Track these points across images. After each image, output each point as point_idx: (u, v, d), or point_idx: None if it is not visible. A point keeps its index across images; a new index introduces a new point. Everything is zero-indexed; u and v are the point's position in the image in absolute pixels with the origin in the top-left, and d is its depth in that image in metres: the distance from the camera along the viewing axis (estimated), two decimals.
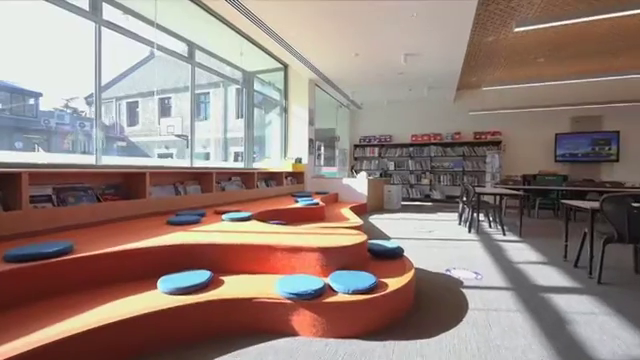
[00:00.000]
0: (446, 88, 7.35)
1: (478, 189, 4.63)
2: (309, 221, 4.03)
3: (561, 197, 6.33)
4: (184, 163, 4.58)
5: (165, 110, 11.79)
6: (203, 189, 4.13)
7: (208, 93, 11.47)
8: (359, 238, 2.24)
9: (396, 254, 2.45)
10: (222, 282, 1.90)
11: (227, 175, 4.83)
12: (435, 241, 3.88)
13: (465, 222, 4.85)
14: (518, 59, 6.22)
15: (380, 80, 6.80)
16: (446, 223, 5.20)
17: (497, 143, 8.14)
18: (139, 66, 11.51)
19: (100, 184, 3.01)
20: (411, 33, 4.57)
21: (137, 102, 11.97)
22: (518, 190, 5.22)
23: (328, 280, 1.84)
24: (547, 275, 2.67)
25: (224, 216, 3.05)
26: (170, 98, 11.47)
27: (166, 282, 1.77)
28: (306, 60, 5.64)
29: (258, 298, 1.68)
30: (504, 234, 4.26)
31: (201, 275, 1.87)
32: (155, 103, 11.75)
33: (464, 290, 2.31)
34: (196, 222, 2.84)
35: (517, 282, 2.50)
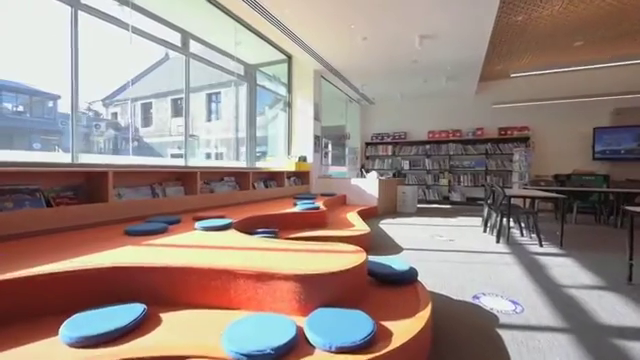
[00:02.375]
0: (467, 78, 6.62)
1: (508, 191, 3.93)
2: (307, 228, 3.46)
3: (603, 200, 5.50)
4: (164, 161, 4.11)
5: (178, 110, 11.94)
6: (187, 191, 3.64)
7: (219, 93, 11.35)
8: (355, 259, 1.66)
9: (407, 279, 1.85)
10: (158, 322, 1.36)
11: (219, 175, 4.32)
12: (457, 254, 3.22)
13: (492, 229, 4.16)
14: (552, 42, 5.44)
15: (392, 69, 6.16)
16: (469, 230, 4.51)
17: (525, 139, 7.32)
18: (154, 67, 11.56)
19: (54, 185, 2.54)
20: (427, 9, 3.93)
21: (151, 103, 12.05)
22: (555, 192, 4.48)
23: (305, 323, 1.27)
24: (613, 307, 1.99)
25: (197, 224, 2.52)
26: (182, 98, 11.57)
27: (74, 325, 1.24)
28: (307, 46, 5.08)
29: (192, 358, 1.12)
30: (541, 245, 3.56)
31: (128, 313, 1.33)
32: (168, 103, 11.85)
33: (501, 331, 1.68)
34: (160, 232, 2.33)
35: (574, 318, 1.84)
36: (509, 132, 7.53)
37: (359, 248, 1.87)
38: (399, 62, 5.73)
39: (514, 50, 5.82)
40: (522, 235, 4.12)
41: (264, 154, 6.61)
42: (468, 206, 7.64)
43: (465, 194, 8.03)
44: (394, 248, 3.41)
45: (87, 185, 2.73)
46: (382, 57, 5.50)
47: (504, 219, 3.77)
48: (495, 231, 3.90)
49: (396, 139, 8.77)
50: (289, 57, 6.23)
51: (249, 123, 5.93)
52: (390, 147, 8.84)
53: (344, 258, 1.68)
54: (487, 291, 2.23)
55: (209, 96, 11.50)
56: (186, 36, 4.50)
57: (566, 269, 2.76)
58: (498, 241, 3.72)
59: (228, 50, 5.03)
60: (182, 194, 3.61)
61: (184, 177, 3.66)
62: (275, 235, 3.00)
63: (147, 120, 12.33)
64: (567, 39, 5.30)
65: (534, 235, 3.92)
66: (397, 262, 2.01)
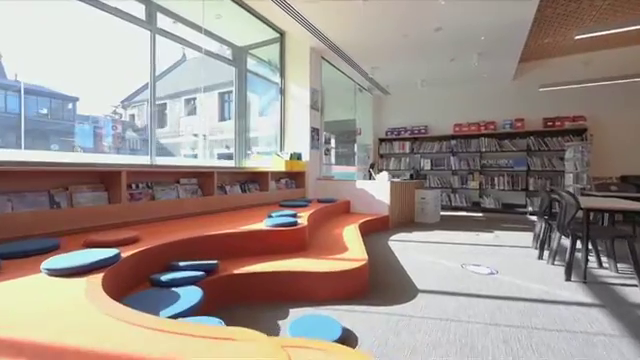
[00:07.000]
0: (505, 55, 5.24)
1: (584, 200, 2.59)
2: (272, 255, 2.33)
3: None
4: (63, 158, 3.12)
5: (191, 111, 11.85)
6: (111, 198, 2.61)
7: (231, 92, 10.94)
8: None
9: None
10: None
11: (171, 176, 3.27)
12: (508, 304, 1.97)
13: (552, 256, 2.84)
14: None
15: (407, 44, 4.89)
16: (515, 253, 3.21)
17: (580, 132, 5.83)
18: (173, 68, 11.52)
19: None
20: None
21: (166, 104, 11.99)
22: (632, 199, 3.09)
23: None
24: None
25: (45, 264, 1.43)
26: (195, 98, 11.46)
27: None
28: (296, 12, 3.95)
29: None
30: None
31: None
32: (181, 104, 11.83)
33: None
34: None
35: None
36: (558, 123, 6.06)
37: None
38: (416, 31, 4.47)
39: (571, 11, 4.42)
40: (600, 266, 2.78)
41: (264, 154, 5.60)
42: (504, 214, 6.23)
43: (500, 199, 6.60)
44: (404, 290, 2.20)
45: None
46: (392, 24, 4.27)
47: (577, 243, 2.46)
48: (558, 257, 2.59)
49: (415, 134, 7.46)
50: (281, 34, 5.15)
51: (238, 115, 4.92)
52: (408, 143, 7.54)
53: None
54: None
55: (221, 95, 11.14)
56: (152, 8, 3.55)
57: None
58: (569, 278, 2.42)
59: (209, 27, 4.08)
60: (105, 202, 2.58)
61: (107, 179, 2.63)
62: (211, 270, 1.89)
63: (162, 121, 12.29)
64: None
65: (621, 265, 2.59)
66: None
